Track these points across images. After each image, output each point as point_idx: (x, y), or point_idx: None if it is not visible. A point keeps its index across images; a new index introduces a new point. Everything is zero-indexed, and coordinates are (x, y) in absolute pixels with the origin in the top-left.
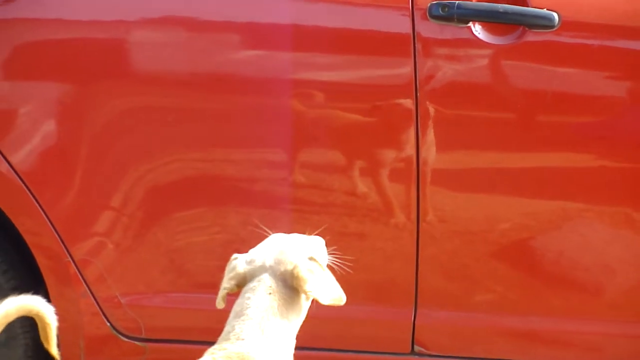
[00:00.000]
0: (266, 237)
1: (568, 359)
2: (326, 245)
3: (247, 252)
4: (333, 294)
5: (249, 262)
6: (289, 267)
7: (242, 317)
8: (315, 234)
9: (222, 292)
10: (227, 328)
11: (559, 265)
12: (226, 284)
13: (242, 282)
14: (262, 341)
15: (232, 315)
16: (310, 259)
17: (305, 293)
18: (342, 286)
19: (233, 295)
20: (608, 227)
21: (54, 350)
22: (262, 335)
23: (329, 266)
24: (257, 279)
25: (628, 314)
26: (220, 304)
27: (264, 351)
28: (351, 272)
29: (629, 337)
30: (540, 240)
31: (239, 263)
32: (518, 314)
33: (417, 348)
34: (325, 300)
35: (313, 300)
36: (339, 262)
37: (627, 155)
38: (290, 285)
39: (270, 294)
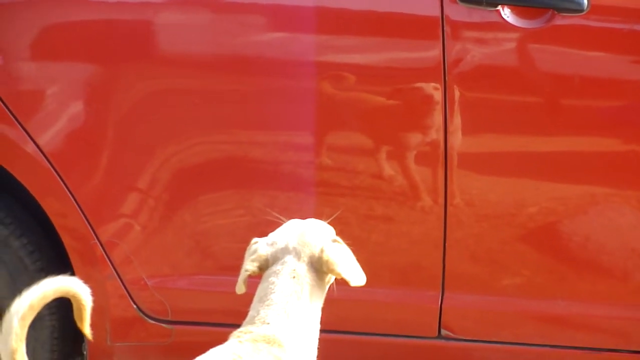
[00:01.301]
0: (281, 223)
1: (594, 343)
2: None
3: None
4: (358, 276)
5: (271, 245)
6: (315, 250)
7: (267, 302)
8: (330, 220)
9: (243, 275)
10: (251, 312)
11: (586, 249)
12: (248, 265)
13: (264, 265)
14: (287, 325)
15: (255, 299)
16: (334, 241)
17: (338, 276)
18: (368, 269)
19: (254, 279)
20: (635, 211)
21: (87, 330)
22: (287, 319)
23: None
24: (280, 262)
25: None
26: (241, 287)
27: (290, 334)
28: (369, 263)
29: None
30: (567, 225)
31: (260, 246)
32: (545, 298)
33: (444, 332)
34: (353, 282)
35: (332, 283)
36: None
37: None
38: (315, 269)
39: (294, 277)
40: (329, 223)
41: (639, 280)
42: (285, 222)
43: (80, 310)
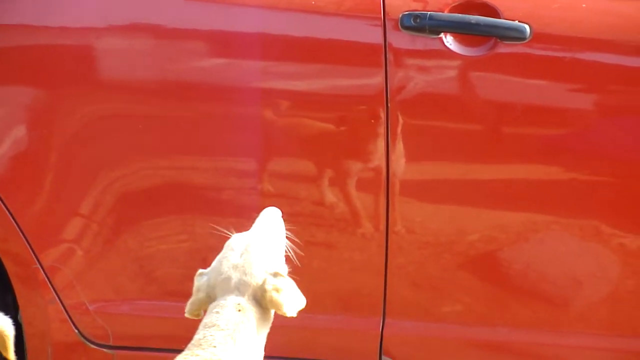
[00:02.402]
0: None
1: None
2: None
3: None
4: (300, 304)
5: (213, 280)
6: (257, 288)
7: (213, 328)
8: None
9: (186, 315)
10: (197, 336)
11: (527, 277)
12: (188, 308)
13: (205, 305)
14: (234, 350)
15: (201, 326)
16: (276, 274)
17: (284, 315)
18: (309, 296)
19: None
20: (576, 239)
21: (12, 357)
22: (234, 345)
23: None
24: (223, 298)
25: (596, 326)
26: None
27: (236, 359)
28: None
29: (596, 350)
30: (508, 252)
31: (201, 285)
32: (486, 325)
33: (384, 358)
34: (294, 314)
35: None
36: (294, 242)
37: (596, 168)
38: (259, 302)
39: (239, 310)
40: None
41: (580, 308)
42: (228, 235)
43: (3, 339)
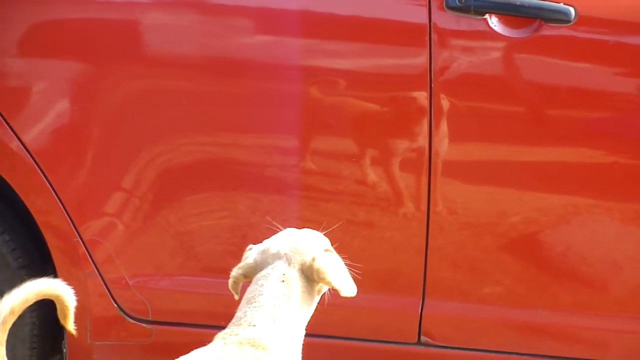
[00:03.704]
0: (277, 231)
1: (573, 353)
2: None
3: (255, 237)
4: (349, 286)
5: (262, 252)
6: (307, 258)
7: (254, 304)
8: (327, 232)
9: (230, 281)
10: (238, 314)
11: (567, 260)
12: (234, 272)
13: (250, 273)
14: (273, 328)
15: (243, 301)
16: (327, 250)
17: (328, 285)
18: (352, 274)
19: (247, 283)
20: (617, 223)
21: (71, 328)
22: (273, 323)
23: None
24: (270, 266)
25: (634, 310)
26: (234, 295)
27: (275, 338)
28: (359, 265)
29: (634, 334)
30: (549, 235)
31: (251, 253)
32: (525, 307)
33: (423, 338)
34: (344, 292)
35: (324, 293)
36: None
37: (638, 151)
38: (305, 276)
39: (283, 281)
40: (325, 234)
41: (619, 291)
42: (281, 230)
43: (64, 310)
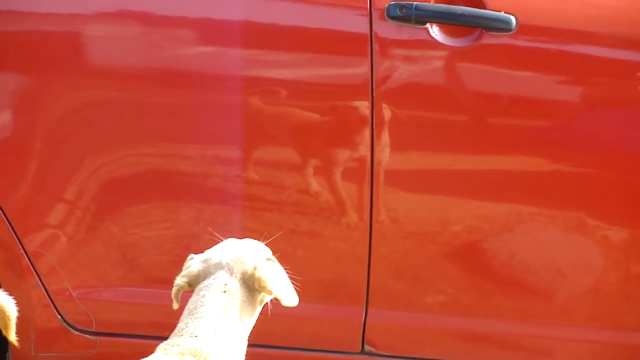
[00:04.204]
0: (219, 241)
1: None
2: (272, 251)
3: (198, 248)
4: (291, 295)
5: (204, 261)
6: (248, 267)
7: (196, 315)
8: (269, 241)
9: (173, 290)
10: (180, 325)
11: (511, 268)
12: (178, 280)
13: (194, 281)
14: (215, 339)
15: (185, 312)
16: (268, 259)
17: (269, 293)
18: (293, 284)
19: (188, 293)
20: (560, 231)
21: (13, 338)
22: (215, 334)
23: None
24: (212, 276)
25: (578, 318)
26: (174, 304)
27: (217, 348)
28: (300, 277)
29: (578, 342)
30: (492, 243)
31: (193, 262)
32: (468, 315)
33: (367, 348)
34: (285, 301)
35: (265, 303)
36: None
37: (580, 159)
38: (247, 285)
39: (225, 292)
40: (267, 244)
41: (562, 299)
42: (222, 240)
43: (5, 320)
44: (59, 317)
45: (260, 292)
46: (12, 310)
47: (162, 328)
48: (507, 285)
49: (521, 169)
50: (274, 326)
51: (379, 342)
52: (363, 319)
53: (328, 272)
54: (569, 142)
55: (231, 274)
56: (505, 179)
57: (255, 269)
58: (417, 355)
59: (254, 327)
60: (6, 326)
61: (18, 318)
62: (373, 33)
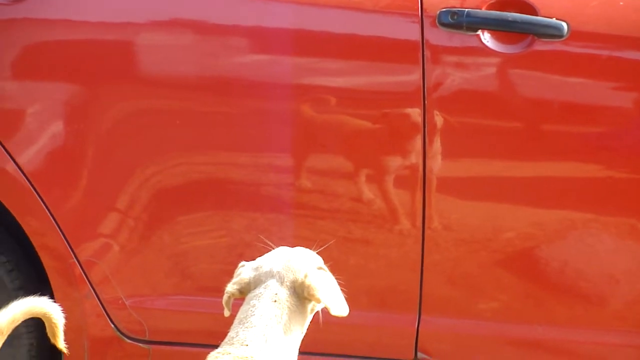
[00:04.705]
0: (271, 250)
1: None
2: (324, 260)
3: (251, 256)
4: (341, 305)
5: (255, 269)
6: (299, 276)
7: (247, 324)
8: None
9: (225, 297)
10: (230, 333)
11: (564, 274)
12: (229, 288)
13: (245, 289)
14: (265, 348)
15: (236, 320)
16: (319, 268)
17: (318, 302)
18: (346, 292)
19: (239, 300)
20: (613, 237)
21: (61, 345)
22: (265, 343)
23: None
24: (263, 285)
25: (632, 324)
26: (225, 311)
27: (268, 357)
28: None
29: (632, 347)
30: (545, 250)
31: (244, 270)
32: (522, 322)
33: (420, 355)
34: (334, 310)
35: (316, 312)
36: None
37: (632, 165)
38: (297, 294)
39: (275, 301)
40: (319, 252)
41: (616, 306)
42: (274, 248)
43: (53, 328)
44: (112, 325)
45: (310, 300)
46: (58, 317)
47: (215, 336)
48: (561, 291)
49: (574, 176)
50: (326, 334)
51: (432, 349)
52: (416, 326)
53: (380, 279)
54: (620, 148)
55: (281, 283)
56: (557, 186)
57: (305, 276)
58: None
59: (307, 334)
60: (54, 334)
61: (71, 327)
62: (425, 40)
